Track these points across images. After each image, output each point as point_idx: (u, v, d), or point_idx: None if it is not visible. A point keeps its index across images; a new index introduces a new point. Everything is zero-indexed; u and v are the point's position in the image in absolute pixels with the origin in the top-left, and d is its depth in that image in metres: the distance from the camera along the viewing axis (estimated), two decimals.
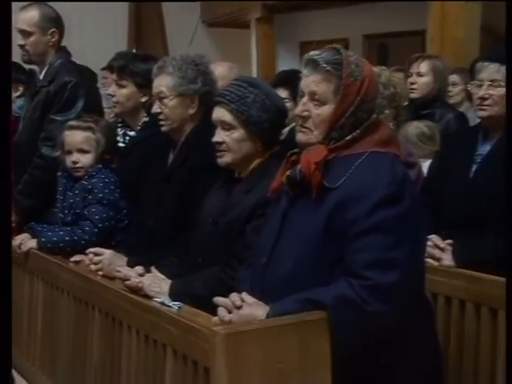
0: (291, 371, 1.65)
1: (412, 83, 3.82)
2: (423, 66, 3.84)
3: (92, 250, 2.47)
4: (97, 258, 2.41)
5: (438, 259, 2.33)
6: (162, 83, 2.43)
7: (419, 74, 3.82)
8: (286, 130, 2.77)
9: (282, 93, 2.91)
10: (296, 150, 1.87)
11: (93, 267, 2.41)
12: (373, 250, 1.70)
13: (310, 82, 1.82)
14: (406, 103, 3.61)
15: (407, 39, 7.08)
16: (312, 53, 1.86)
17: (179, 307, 1.92)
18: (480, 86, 2.48)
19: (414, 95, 3.79)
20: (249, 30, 7.66)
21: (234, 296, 1.78)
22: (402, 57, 5.08)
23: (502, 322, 2.03)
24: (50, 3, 3.31)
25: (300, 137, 1.85)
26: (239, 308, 1.74)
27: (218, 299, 1.78)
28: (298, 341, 1.66)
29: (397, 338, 1.76)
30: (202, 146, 2.36)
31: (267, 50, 7.47)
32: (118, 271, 2.19)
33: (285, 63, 7.24)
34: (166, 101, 2.43)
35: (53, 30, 3.11)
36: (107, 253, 2.43)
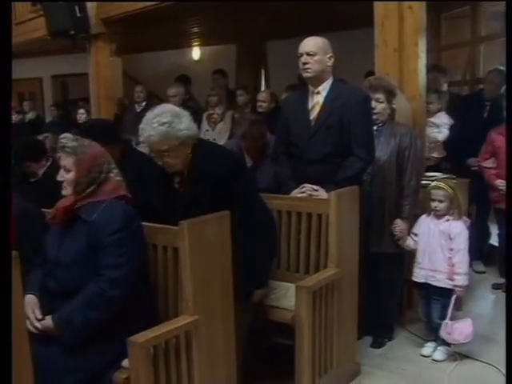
0: None
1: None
2: None
3: None
4: None
5: None
6: None
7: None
8: None
9: None
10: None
11: None
12: (109, 257, 2.29)
13: (62, 158, 2.44)
14: None
15: (79, 78, 8.20)
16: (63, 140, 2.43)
17: None
18: None
19: None
20: None
21: None
22: (79, 90, 6.74)
23: None
24: None
25: (63, 192, 2.46)
26: None
27: None
28: None
29: (127, 304, 2.33)
30: None
31: None
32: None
33: None
34: None
35: None
36: None
